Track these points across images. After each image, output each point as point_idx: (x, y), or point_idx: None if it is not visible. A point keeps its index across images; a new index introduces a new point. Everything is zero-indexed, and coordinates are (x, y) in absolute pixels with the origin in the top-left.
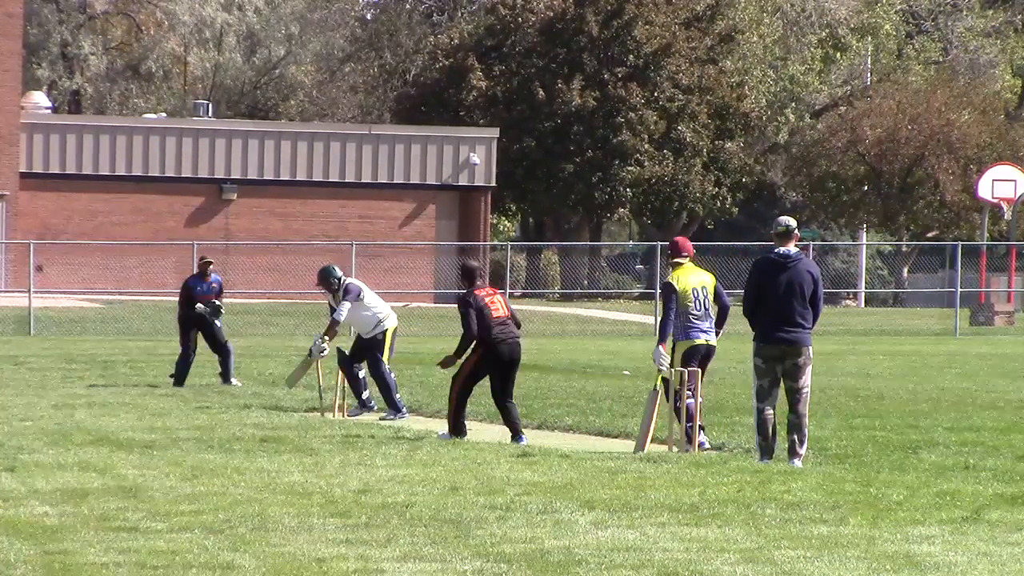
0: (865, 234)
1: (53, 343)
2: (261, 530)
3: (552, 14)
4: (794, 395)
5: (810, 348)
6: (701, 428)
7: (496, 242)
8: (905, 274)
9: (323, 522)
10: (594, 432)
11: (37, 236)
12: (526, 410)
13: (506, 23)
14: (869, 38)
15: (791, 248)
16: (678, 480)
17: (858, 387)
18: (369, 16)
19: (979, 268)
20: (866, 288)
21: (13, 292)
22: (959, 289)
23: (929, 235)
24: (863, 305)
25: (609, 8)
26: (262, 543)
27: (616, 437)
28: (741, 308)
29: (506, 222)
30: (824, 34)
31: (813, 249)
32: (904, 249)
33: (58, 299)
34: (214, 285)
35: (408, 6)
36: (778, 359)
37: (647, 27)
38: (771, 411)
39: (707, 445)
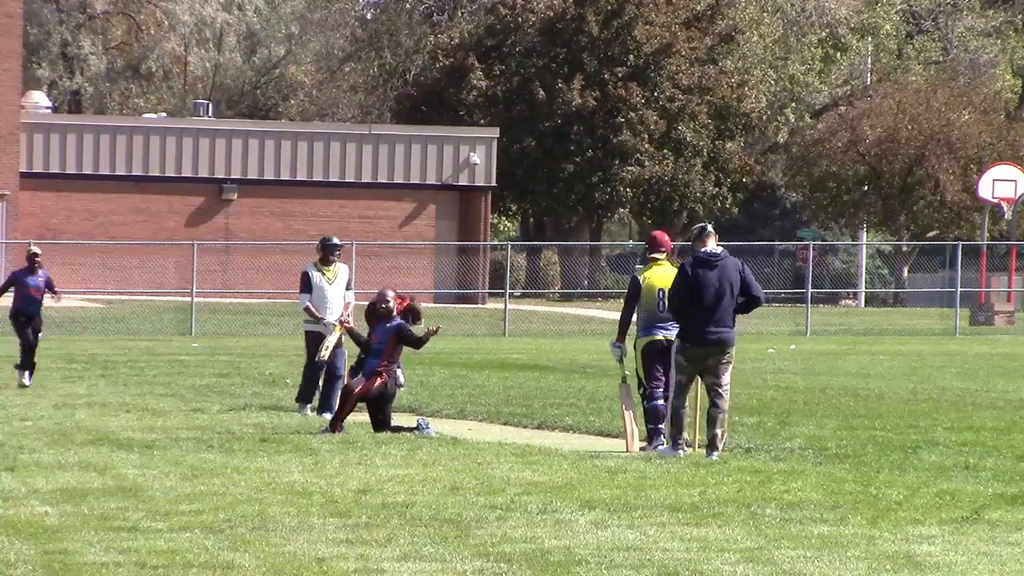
0: (865, 234)
1: (53, 343)
2: (261, 530)
3: (552, 14)
4: (715, 390)
5: (734, 347)
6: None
7: (496, 242)
8: (905, 274)
9: (323, 522)
10: (594, 432)
11: (37, 236)
12: (526, 410)
13: (506, 23)
14: (869, 38)
15: (715, 247)
16: (678, 480)
17: (858, 387)
18: (369, 16)
19: (979, 268)
20: (866, 288)
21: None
22: (959, 289)
23: (929, 235)
24: (863, 305)
25: (609, 8)
26: (262, 543)
27: (616, 437)
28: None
29: (506, 222)
30: (824, 34)
31: (813, 249)
32: (904, 249)
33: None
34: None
35: (408, 6)
36: (702, 359)
37: (647, 27)
38: (687, 407)
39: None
